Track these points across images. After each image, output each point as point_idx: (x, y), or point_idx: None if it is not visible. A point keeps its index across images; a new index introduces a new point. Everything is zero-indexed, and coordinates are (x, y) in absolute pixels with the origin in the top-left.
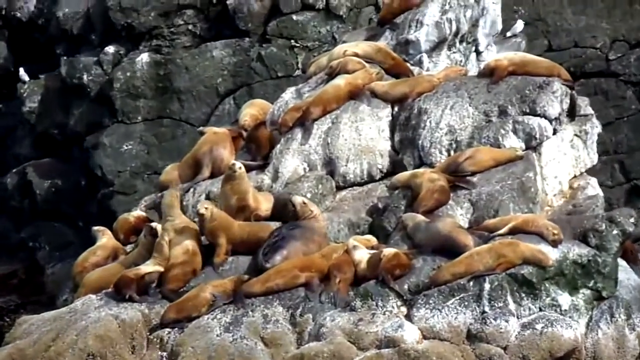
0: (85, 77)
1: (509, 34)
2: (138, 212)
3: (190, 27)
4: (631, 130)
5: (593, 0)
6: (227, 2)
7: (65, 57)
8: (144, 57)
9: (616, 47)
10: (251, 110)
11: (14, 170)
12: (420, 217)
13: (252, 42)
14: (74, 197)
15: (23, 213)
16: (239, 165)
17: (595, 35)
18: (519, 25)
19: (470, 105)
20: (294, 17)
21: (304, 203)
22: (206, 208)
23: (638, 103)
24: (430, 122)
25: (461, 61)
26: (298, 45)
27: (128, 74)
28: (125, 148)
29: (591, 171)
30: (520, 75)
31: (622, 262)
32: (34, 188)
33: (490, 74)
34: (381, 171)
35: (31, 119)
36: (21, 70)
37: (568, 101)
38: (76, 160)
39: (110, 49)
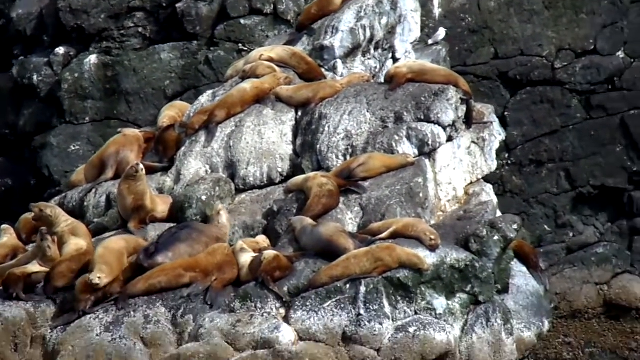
0: (35, 77)
1: (430, 41)
2: None
3: (140, 29)
4: (576, 138)
5: (539, 9)
6: (176, 6)
7: (17, 59)
8: (92, 59)
9: (562, 56)
10: (170, 112)
11: None
12: (308, 221)
13: (200, 45)
14: (24, 196)
15: None
16: (141, 167)
17: (541, 43)
18: (441, 33)
19: (367, 111)
20: (242, 21)
21: (219, 213)
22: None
23: (583, 112)
24: (328, 127)
25: (376, 67)
26: (246, 49)
27: (76, 75)
28: (73, 149)
29: (537, 178)
30: (418, 82)
31: (522, 268)
32: None
33: (390, 81)
34: (281, 175)
35: None
36: None
37: (464, 108)
38: (26, 160)
39: (61, 50)
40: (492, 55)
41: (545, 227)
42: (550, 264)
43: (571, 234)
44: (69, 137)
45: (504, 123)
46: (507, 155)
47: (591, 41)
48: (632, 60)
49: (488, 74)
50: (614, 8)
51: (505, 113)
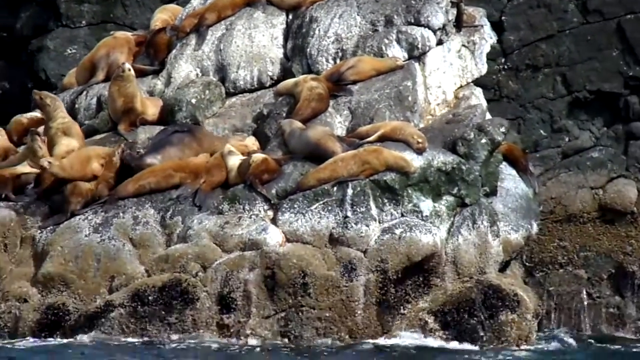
0: None
1: None
2: (33, 114)
3: None
4: (573, 42)
5: None
6: None
7: None
8: None
9: None
10: (163, 15)
11: None
12: (297, 124)
13: None
14: (21, 99)
15: None
16: (128, 67)
17: None
18: None
19: (358, 15)
20: None
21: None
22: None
23: (580, 16)
24: (319, 30)
25: None
26: None
27: None
28: (69, 52)
29: (534, 82)
30: None
31: (511, 171)
32: None
33: None
34: (271, 78)
35: None
36: None
37: (454, 12)
38: (23, 63)
39: None
40: None
41: (541, 131)
42: (546, 168)
43: (567, 139)
44: (65, 40)
45: (500, 28)
46: (503, 60)
47: None
48: None
49: None
50: None
51: (502, 17)
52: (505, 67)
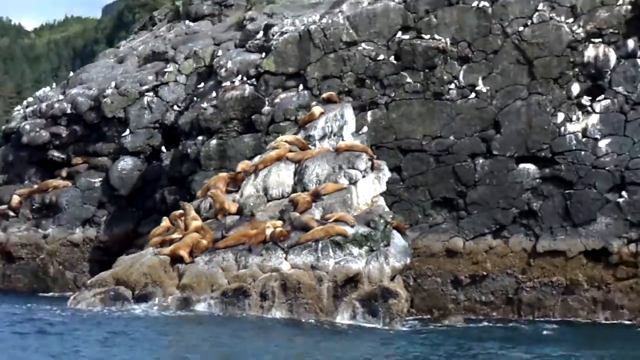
0: (188, 150)
1: (360, 132)
2: (180, 211)
3: (236, 127)
4: (431, 174)
5: (415, 117)
6: (252, 117)
7: (182, 141)
8: (212, 142)
9: (426, 140)
10: (242, 165)
11: (159, 191)
12: (297, 214)
13: (262, 135)
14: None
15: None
16: (212, 191)
17: (416, 133)
18: (365, 128)
19: (327, 164)
20: (282, 124)
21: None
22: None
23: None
24: (308, 172)
25: (335, 143)
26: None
27: (206, 149)
28: (205, 182)
29: (415, 193)
30: (349, 151)
31: (398, 235)
32: (167, 202)
33: (337, 150)
34: (288, 194)
35: (166, 168)
36: (162, 148)
37: (370, 163)
38: (186, 188)
39: (200, 138)
40: (393, 139)
41: (419, 215)
42: (421, 233)
43: (431, 219)
44: (204, 177)
45: (400, 169)
46: (402, 183)
47: None
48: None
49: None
50: None
51: (401, 164)
52: (402, 187)
